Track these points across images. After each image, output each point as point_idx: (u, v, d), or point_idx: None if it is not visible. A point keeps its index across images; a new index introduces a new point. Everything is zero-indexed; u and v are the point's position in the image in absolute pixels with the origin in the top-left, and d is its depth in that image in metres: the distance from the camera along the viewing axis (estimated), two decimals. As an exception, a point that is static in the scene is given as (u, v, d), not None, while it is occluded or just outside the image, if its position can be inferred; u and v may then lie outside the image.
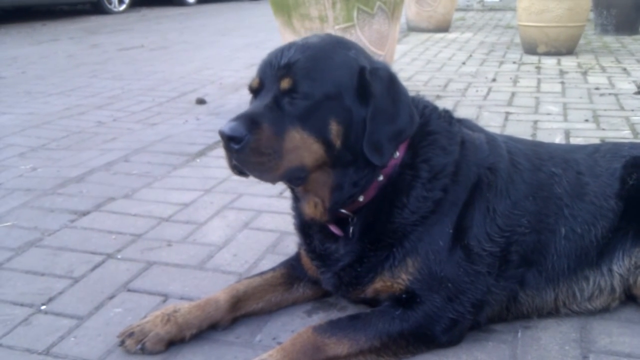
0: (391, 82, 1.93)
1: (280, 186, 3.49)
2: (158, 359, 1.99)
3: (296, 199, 2.11)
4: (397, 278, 1.95)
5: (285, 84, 1.81)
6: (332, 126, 1.83)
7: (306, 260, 2.23)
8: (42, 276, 2.55)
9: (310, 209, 1.99)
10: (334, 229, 2.03)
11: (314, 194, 1.96)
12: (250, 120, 1.75)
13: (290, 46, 1.89)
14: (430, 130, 2.02)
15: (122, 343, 2.03)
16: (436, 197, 1.97)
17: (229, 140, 1.74)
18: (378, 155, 1.87)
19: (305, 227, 2.16)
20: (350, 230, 2.00)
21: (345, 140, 1.85)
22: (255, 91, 1.91)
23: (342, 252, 2.03)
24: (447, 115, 2.12)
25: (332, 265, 2.06)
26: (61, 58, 8.64)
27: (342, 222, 2.01)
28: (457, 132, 2.08)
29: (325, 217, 1.99)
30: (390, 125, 1.89)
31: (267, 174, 1.80)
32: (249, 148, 1.73)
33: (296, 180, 1.87)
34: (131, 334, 2.02)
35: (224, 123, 1.77)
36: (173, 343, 2.04)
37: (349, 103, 1.85)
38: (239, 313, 2.17)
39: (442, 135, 2.03)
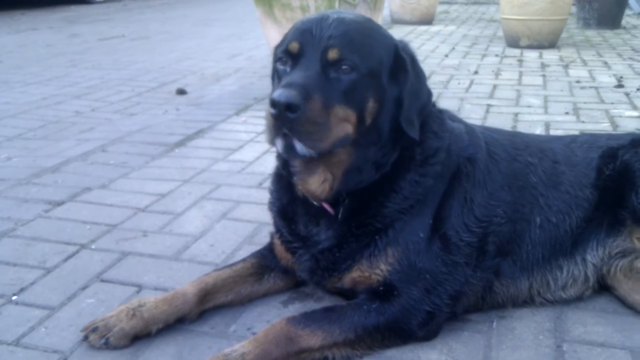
0: (414, 59, 1.96)
1: (259, 177, 3.47)
2: (131, 350, 1.96)
3: (289, 175, 2.00)
4: (376, 268, 1.93)
5: (333, 54, 1.77)
6: (370, 103, 1.83)
7: (280, 249, 2.19)
8: (14, 266, 2.50)
9: (314, 185, 1.92)
10: (327, 207, 1.97)
11: (327, 170, 1.90)
12: (304, 89, 1.69)
13: (326, 17, 1.84)
14: None
15: (85, 338, 1.98)
16: (427, 184, 1.96)
17: (286, 109, 1.66)
18: (414, 129, 1.89)
19: (287, 210, 2.11)
20: (340, 211, 1.96)
21: (375, 118, 1.85)
22: (294, 57, 1.82)
23: (323, 237, 2.00)
24: (434, 104, 2.12)
25: (311, 247, 2.03)
26: (40, 47, 8.50)
27: (334, 201, 1.97)
28: (445, 119, 2.10)
29: (325, 196, 1.93)
30: (417, 100, 1.92)
31: (318, 143, 1.73)
32: (304, 117, 1.67)
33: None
34: (95, 329, 1.98)
35: (275, 91, 1.67)
36: (138, 338, 2.00)
37: (385, 81, 1.86)
38: (207, 306, 2.13)
39: (433, 121, 2.04)
